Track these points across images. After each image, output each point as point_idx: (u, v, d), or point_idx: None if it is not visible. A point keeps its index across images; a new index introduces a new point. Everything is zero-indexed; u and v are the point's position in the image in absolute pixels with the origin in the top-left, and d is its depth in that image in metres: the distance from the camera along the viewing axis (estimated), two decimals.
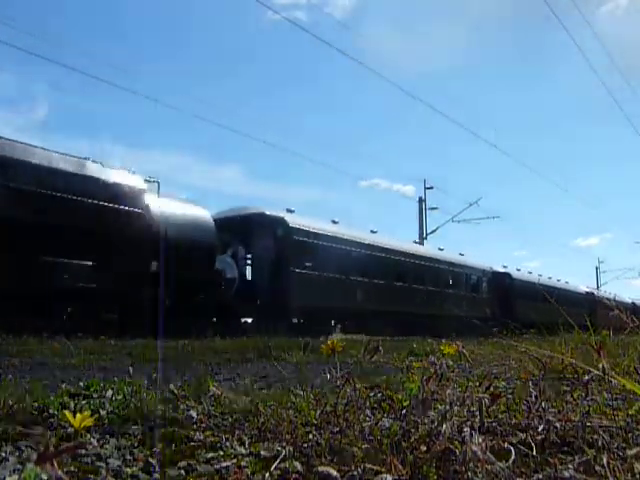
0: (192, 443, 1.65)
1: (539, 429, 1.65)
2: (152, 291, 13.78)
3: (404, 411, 1.81)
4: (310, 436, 1.63)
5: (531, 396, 2.11)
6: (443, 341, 7.13)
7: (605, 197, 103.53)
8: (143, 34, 73.61)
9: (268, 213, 19.05)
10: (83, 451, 1.57)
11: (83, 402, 2.27)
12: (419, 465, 1.30)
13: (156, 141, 75.99)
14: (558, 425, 1.67)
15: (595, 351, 2.71)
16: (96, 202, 13.28)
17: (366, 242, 22.42)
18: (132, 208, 14.14)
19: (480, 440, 1.50)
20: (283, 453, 1.47)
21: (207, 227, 16.48)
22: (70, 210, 12.60)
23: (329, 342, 2.28)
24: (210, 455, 1.55)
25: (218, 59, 77.15)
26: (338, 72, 79.05)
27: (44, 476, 1.35)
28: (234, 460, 1.48)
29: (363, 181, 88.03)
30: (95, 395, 2.44)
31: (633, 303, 44.71)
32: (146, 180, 15.05)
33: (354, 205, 75.23)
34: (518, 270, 34.63)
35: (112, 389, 2.49)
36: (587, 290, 41.52)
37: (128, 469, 1.45)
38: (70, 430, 1.71)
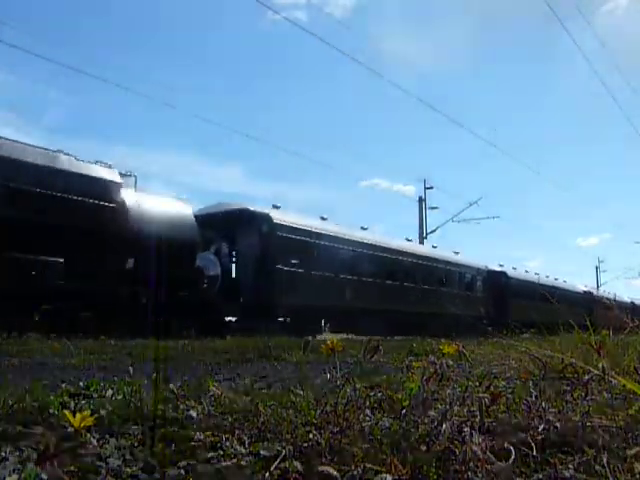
0: (192, 443, 1.65)
1: (539, 429, 1.65)
2: (129, 289, 13.39)
3: (404, 411, 1.82)
4: (310, 436, 1.63)
5: (531, 396, 2.11)
6: (442, 341, 7.12)
7: (605, 197, 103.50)
8: (143, 34, 73.62)
9: (252, 209, 18.54)
10: (83, 451, 1.57)
11: (83, 402, 2.27)
12: (419, 465, 1.30)
13: (156, 141, 76.03)
14: (558, 425, 1.67)
15: (595, 351, 2.71)
16: (67, 196, 12.72)
17: (355, 239, 21.96)
18: (106, 203, 13.56)
19: (480, 440, 1.50)
20: (283, 453, 1.47)
21: (187, 223, 15.93)
22: (39, 205, 12.10)
23: (329, 342, 2.28)
24: (210, 455, 1.55)
25: (218, 59, 77.17)
26: (338, 72, 79.06)
27: (44, 476, 1.35)
28: (234, 460, 1.48)
29: (363, 181, 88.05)
30: (95, 395, 2.44)
31: (632, 303, 44.69)
32: (122, 174, 14.51)
33: (354, 205, 75.24)
34: (514, 269, 34.25)
35: (112, 389, 2.49)
36: (585, 289, 41.46)
37: (128, 469, 1.45)
38: (70, 430, 1.71)
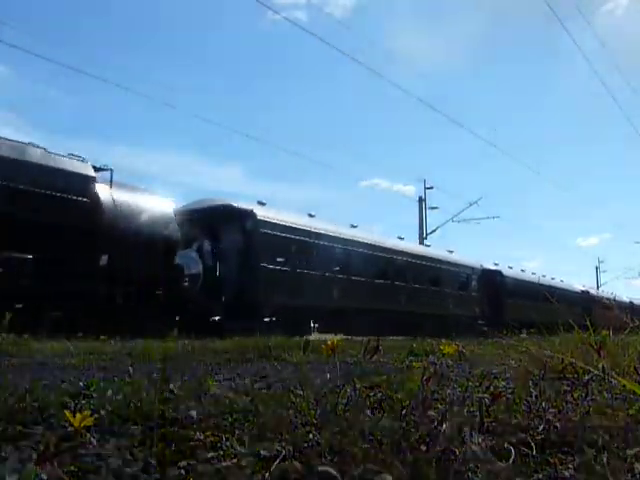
0: (192, 443, 1.65)
1: (539, 429, 1.65)
2: (102, 287, 12.83)
3: (404, 411, 1.82)
4: (310, 436, 1.63)
5: (531, 396, 2.11)
6: (443, 341, 7.13)
7: (605, 197, 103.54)
8: (143, 34, 73.62)
9: (235, 205, 18.04)
10: (83, 451, 1.57)
11: (83, 402, 2.27)
12: (419, 465, 1.30)
13: (156, 141, 76.03)
14: (558, 425, 1.67)
15: (595, 351, 2.71)
16: (37, 190, 12.16)
17: (345, 237, 21.48)
18: (79, 197, 12.99)
19: (480, 440, 1.50)
20: (283, 453, 1.47)
21: (166, 219, 15.35)
22: (6, 199, 11.59)
23: (329, 342, 2.28)
24: (210, 455, 1.55)
25: (218, 59, 77.17)
26: (338, 72, 79.07)
27: (44, 476, 1.35)
28: (234, 460, 1.48)
29: (363, 181, 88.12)
30: (95, 395, 2.43)
31: (631, 302, 44.66)
32: (97, 168, 13.97)
33: (354, 205, 75.23)
34: (510, 268, 33.90)
35: (112, 389, 2.49)
36: (583, 289, 41.34)
37: (128, 469, 1.44)
38: (70, 430, 1.71)
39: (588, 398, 2.10)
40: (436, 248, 29.86)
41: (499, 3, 71.88)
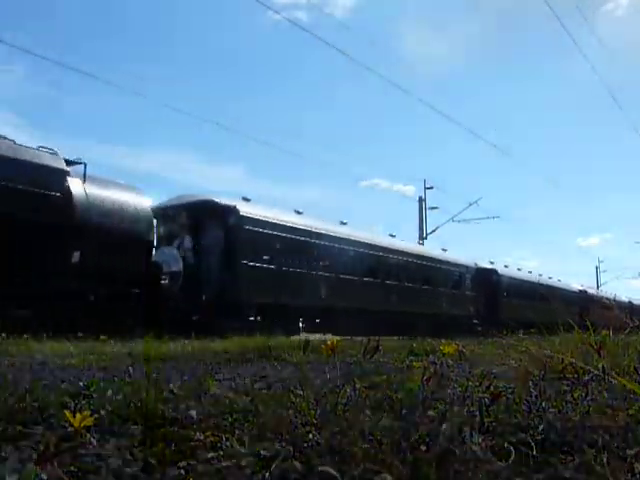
0: (192, 443, 1.65)
1: (539, 429, 1.65)
2: (74, 284, 12.39)
3: (404, 411, 1.82)
4: (310, 436, 1.63)
5: (531, 396, 2.11)
6: (443, 341, 7.13)
7: (606, 197, 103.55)
8: (143, 34, 73.60)
9: (217, 201, 17.34)
10: (83, 451, 1.57)
11: (83, 402, 2.27)
12: (419, 465, 1.30)
13: (156, 141, 76.04)
14: (558, 425, 1.67)
15: (595, 351, 2.71)
16: (5, 184, 11.72)
17: (333, 234, 20.87)
18: (50, 191, 12.51)
19: (480, 440, 1.50)
20: (283, 453, 1.47)
21: (143, 215, 14.82)
22: None
23: (329, 342, 2.28)
24: (210, 455, 1.55)
25: (218, 59, 77.16)
26: (338, 72, 79.06)
27: (44, 476, 1.35)
28: (234, 460, 1.48)
29: (363, 181, 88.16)
30: (95, 395, 2.43)
31: (630, 302, 44.61)
32: (69, 161, 13.47)
33: (354, 205, 75.24)
34: (506, 266, 33.52)
35: (112, 389, 2.49)
36: (580, 288, 41.21)
37: (128, 469, 1.44)
38: (70, 430, 1.71)
39: (588, 398, 2.10)
40: (429, 246, 29.55)
41: (500, 4, 71.87)
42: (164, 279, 16.28)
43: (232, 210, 17.18)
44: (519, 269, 35.47)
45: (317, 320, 18.94)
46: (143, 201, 15.33)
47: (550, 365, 2.73)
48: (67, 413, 1.69)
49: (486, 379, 2.26)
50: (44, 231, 12.07)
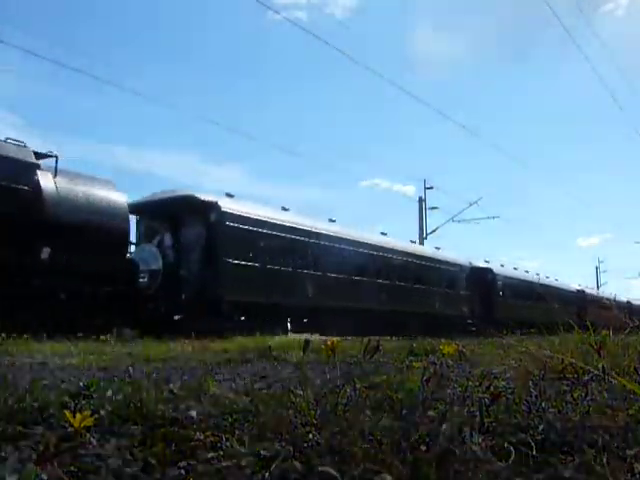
0: (192, 443, 1.65)
1: (539, 429, 1.65)
2: (43, 282, 11.97)
3: (404, 411, 1.82)
4: (310, 436, 1.63)
5: (531, 396, 2.11)
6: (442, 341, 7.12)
7: (606, 197, 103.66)
8: (144, 35, 73.63)
9: (198, 196, 16.66)
10: (83, 451, 1.57)
11: (83, 402, 2.27)
12: (419, 465, 1.30)
13: (156, 141, 76.08)
14: (558, 425, 1.67)
15: (595, 351, 2.71)
16: None
17: (321, 231, 20.19)
18: (18, 185, 12.02)
19: (480, 440, 1.50)
20: (283, 453, 1.47)
21: (118, 211, 14.24)
22: None
23: (328, 342, 2.28)
24: (210, 455, 1.55)
25: (218, 59, 77.17)
26: (338, 72, 79.10)
27: (44, 476, 1.35)
28: (234, 460, 1.48)
29: (363, 181, 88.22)
30: (95, 395, 2.43)
31: (629, 302, 44.58)
32: (39, 154, 13.00)
33: (354, 205, 75.29)
34: (502, 265, 32.95)
35: (112, 389, 2.49)
36: (578, 288, 41.07)
37: (128, 469, 1.44)
38: (70, 430, 1.71)
39: (588, 398, 2.10)
40: (421, 245, 29.00)
41: (500, 4, 71.91)
42: (143, 277, 15.69)
43: (213, 206, 16.55)
44: (515, 268, 34.96)
45: (305, 320, 18.31)
46: (119, 196, 14.71)
47: (550, 365, 2.73)
48: (67, 413, 1.69)
49: (486, 379, 2.26)
50: (11, 226, 11.57)
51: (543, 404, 1.99)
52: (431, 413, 1.72)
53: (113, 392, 2.40)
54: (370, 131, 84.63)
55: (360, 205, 78.97)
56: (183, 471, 1.43)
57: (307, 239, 19.50)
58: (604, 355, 2.73)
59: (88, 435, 1.70)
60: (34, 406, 2.11)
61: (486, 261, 31.58)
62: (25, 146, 12.85)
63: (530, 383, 2.34)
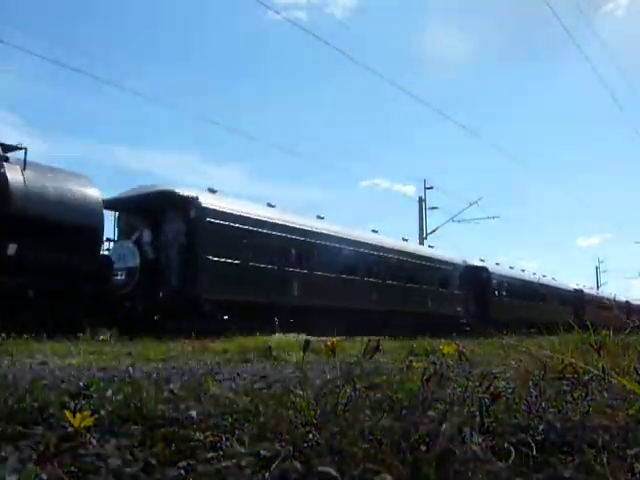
0: (192, 443, 1.65)
1: (539, 429, 1.65)
2: (9, 279, 11.60)
3: (404, 411, 1.82)
4: (310, 436, 1.63)
5: (531, 396, 2.11)
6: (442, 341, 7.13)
7: (606, 197, 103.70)
8: (144, 35, 73.62)
9: (178, 191, 16.08)
10: (83, 451, 1.57)
11: (83, 402, 2.27)
12: (419, 465, 1.30)
13: (156, 141, 76.08)
14: (558, 425, 1.67)
15: (595, 351, 2.71)
16: None
17: (307, 228, 19.54)
18: None
19: (480, 440, 1.50)
20: (283, 453, 1.47)
21: (91, 206, 13.79)
22: None
23: (329, 342, 2.28)
24: (210, 455, 1.55)
25: (218, 59, 77.17)
26: (338, 72, 79.10)
27: (44, 476, 1.35)
28: (234, 460, 1.48)
29: (363, 181, 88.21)
30: (95, 395, 2.43)
31: (627, 302, 44.56)
32: (6, 147, 12.61)
33: (354, 205, 75.28)
34: (497, 264, 32.43)
35: (112, 389, 2.49)
36: (576, 288, 40.92)
37: (128, 469, 1.44)
38: (70, 430, 1.71)
39: (588, 398, 2.10)
40: (413, 243, 27.97)
41: (500, 5, 71.90)
42: (119, 275, 15.26)
43: (193, 201, 15.97)
44: (511, 267, 34.40)
45: (290, 319, 17.34)
46: (93, 191, 14.24)
47: (550, 365, 2.73)
48: (67, 413, 1.69)
49: (486, 379, 2.26)
50: None
51: (543, 404, 1.99)
52: (431, 413, 1.72)
53: (113, 392, 2.40)
54: (370, 131, 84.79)
55: (360, 205, 78.99)
56: (183, 471, 1.43)
57: (293, 236, 18.96)
58: (604, 355, 2.73)
59: (88, 435, 1.70)
60: (34, 406, 2.11)
61: (481, 260, 31.11)
62: None
63: (530, 383, 2.34)
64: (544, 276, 37.00)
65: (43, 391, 2.41)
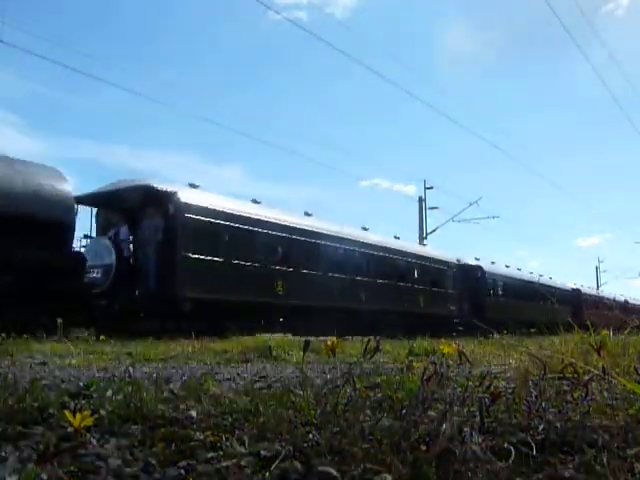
0: (192, 443, 1.65)
1: (539, 429, 1.65)
2: None
3: (404, 411, 1.82)
4: (310, 436, 1.63)
5: (531, 396, 2.11)
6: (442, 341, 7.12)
7: (606, 197, 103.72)
8: (144, 34, 73.64)
9: (156, 186, 15.36)
10: (83, 451, 1.57)
11: (83, 402, 2.27)
12: (419, 465, 1.30)
13: (156, 141, 76.09)
14: (558, 425, 1.67)
15: (595, 351, 2.71)
16: None
17: (293, 225, 18.90)
18: None
19: (480, 440, 1.50)
20: (283, 453, 1.47)
21: (61, 200, 13.18)
22: None
23: (329, 342, 2.28)
24: (210, 455, 1.55)
25: (219, 59, 77.19)
26: (338, 72, 79.10)
27: (44, 476, 1.35)
28: (234, 460, 1.48)
29: (363, 181, 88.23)
30: (95, 395, 2.43)
31: (626, 301, 44.52)
32: None
33: (354, 205, 75.29)
34: (493, 263, 31.94)
35: (112, 389, 2.49)
36: (574, 287, 40.76)
37: (128, 469, 1.44)
38: (70, 430, 1.71)
39: (588, 398, 2.10)
40: (405, 241, 26.71)
41: (500, 5, 71.89)
42: (95, 273, 14.74)
43: (172, 196, 15.27)
44: (507, 266, 33.93)
45: (275, 319, 17.09)
46: (63, 185, 13.58)
47: (550, 365, 2.73)
48: (67, 413, 1.69)
49: (486, 379, 2.26)
50: None
51: (543, 404, 1.99)
52: (431, 413, 1.72)
53: (113, 392, 2.40)
54: (370, 131, 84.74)
55: (360, 205, 78.99)
56: (183, 471, 1.43)
57: (279, 233, 18.32)
58: (604, 355, 2.72)
59: (88, 435, 1.70)
60: (34, 406, 2.11)
61: (476, 259, 30.62)
62: None
63: (530, 383, 2.34)
64: (541, 275, 36.78)
65: (43, 391, 2.41)
